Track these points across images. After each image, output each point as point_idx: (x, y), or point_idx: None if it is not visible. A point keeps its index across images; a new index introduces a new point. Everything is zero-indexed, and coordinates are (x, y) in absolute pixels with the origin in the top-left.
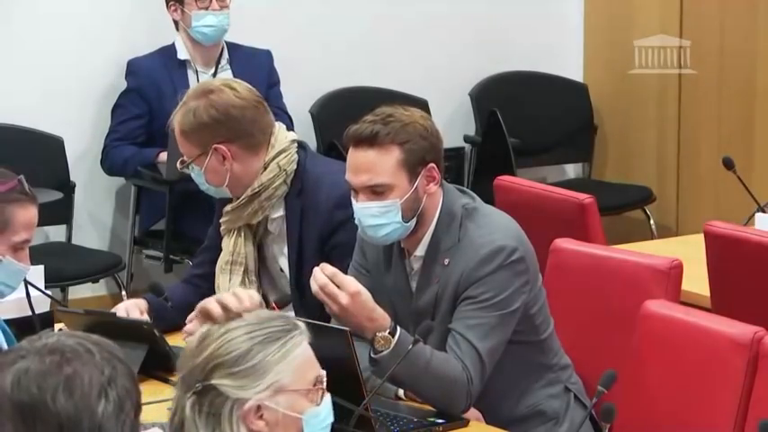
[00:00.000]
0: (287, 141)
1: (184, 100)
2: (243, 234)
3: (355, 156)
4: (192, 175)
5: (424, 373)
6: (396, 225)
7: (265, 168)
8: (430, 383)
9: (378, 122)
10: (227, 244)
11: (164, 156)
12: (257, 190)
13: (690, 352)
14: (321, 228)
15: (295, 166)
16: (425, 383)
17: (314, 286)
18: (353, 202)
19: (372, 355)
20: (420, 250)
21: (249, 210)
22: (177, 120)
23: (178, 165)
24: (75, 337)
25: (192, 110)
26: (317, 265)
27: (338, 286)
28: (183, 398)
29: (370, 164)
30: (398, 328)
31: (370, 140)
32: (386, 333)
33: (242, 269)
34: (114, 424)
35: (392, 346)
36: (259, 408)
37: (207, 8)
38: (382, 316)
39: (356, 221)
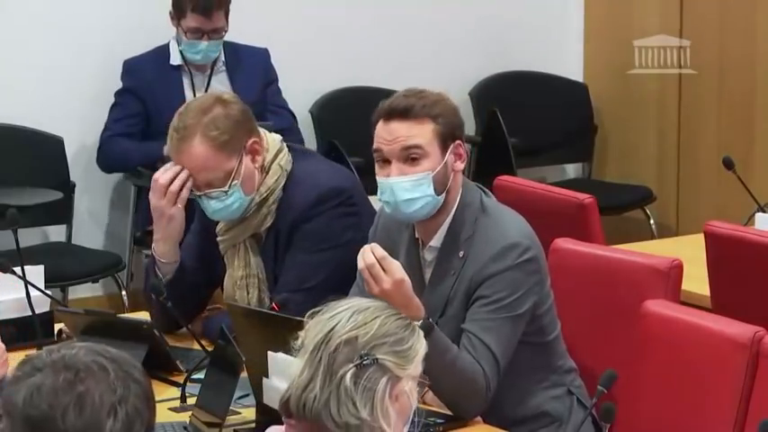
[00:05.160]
0: (278, 142)
1: (185, 125)
2: (249, 246)
3: (388, 127)
4: (220, 201)
5: (449, 369)
6: (428, 198)
7: (267, 172)
8: (452, 380)
9: (411, 97)
10: (236, 260)
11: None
12: (265, 195)
13: (690, 352)
14: (293, 220)
15: (291, 166)
16: (448, 379)
17: (360, 263)
18: (383, 179)
19: None
20: (436, 241)
21: (258, 217)
22: (201, 139)
23: (214, 193)
24: (94, 353)
25: (217, 116)
26: (286, 257)
27: (384, 270)
28: (332, 370)
29: (405, 131)
30: (430, 320)
31: (404, 113)
32: (419, 323)
33: (257, 281)
34: None
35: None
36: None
37: (198, 39)
38: (417, 306)
39: (386, 200)
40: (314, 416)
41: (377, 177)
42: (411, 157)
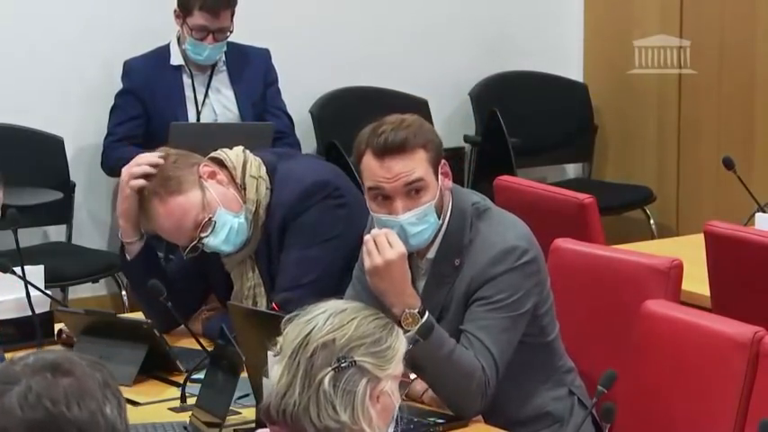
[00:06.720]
0: (240, 154)
1: (152, 193)
2: (252, 258)
3: (387, 165)
4: (215, 234)
5: (445, 362)
6: (433, 226)
7: (244, 189)
8: (449, 374)
9: (399, 129)
10: (243, 276)
11: None
12: (254, 208)
13: (690, 352)
14: (282, 219)
15: (265, 168)
16: (445, 373)
17: (366, 236)
18: (384, 217)
19: None
20: (431, 253)
21: (257, 232)
22: (159, 200)
23: (207, 230)
24: (52, 354)
25: (158, 176)
26: (281, 257)
27: (390, 244)
28: (310, 375)
29: (403, 166)
30: (427, 311)
31: (400, 148)
32: (415, 312)
33: (263, 289)
34: (120, 422)
35: (419, 326)
36: (380, 391)
37: (202, 40)
38: (414, 295)
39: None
40: (294, 421)
41: (375, 215)
42: (415, 189)
